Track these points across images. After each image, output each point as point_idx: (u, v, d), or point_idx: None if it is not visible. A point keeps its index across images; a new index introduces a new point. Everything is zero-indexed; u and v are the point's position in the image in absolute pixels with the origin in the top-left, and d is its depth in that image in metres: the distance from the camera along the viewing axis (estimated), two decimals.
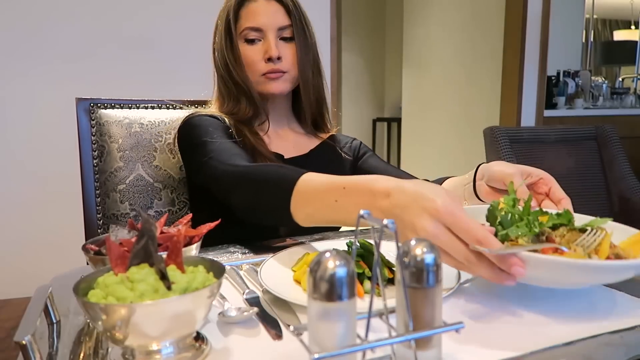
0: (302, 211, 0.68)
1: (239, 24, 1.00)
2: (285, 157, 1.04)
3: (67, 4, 2.31)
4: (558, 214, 0.66)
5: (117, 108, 1.17)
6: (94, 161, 1.15)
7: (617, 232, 0.65)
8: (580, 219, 0.67)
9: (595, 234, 0.62)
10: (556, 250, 0.59)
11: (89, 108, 1.15)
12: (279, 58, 0.98)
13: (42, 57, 2.31)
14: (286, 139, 1.10)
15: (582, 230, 0.63)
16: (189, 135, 0.97)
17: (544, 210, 0.68)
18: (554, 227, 0.64)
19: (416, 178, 0.89)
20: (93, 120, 1.15)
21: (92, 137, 1.14)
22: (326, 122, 1.15)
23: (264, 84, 1.01)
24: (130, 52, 2.42)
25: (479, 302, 0.61)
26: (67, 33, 2.32)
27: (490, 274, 0.51)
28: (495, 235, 0.65)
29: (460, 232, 0.51)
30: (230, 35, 1.00)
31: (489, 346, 0.50)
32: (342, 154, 1.13)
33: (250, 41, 0.99)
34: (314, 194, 0.67)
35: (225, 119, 1.01)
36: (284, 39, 1.00)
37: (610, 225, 0.66)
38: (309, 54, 1.03)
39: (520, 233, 0.61)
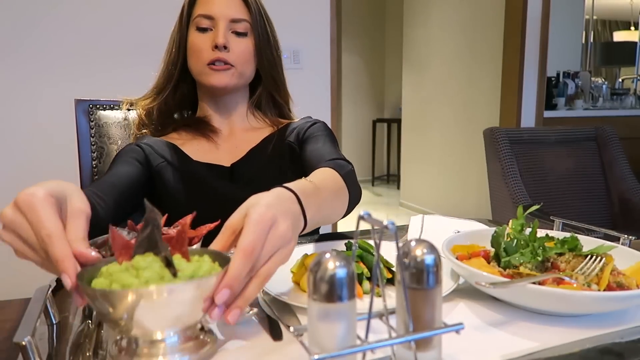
0: None
1: (194, 10, 0.99)
2: (223, 165, 0.99)
3: (67, 5, 2.31)
4: (564, 240, 0.65)
5: (116, 109, 1.17)
6: (93, 162, 1.15)
7: (626, 257, 0.64)
8: (589, 243, 0.66)
9: (595, 261, 0.61)
10: (561, 280, 0.57)
11: (88, 109, 1.15)
12: (225, 47, 0.95)
13: (42, 58, 2.30)
14: (227, 140, 1.05)
15: (588, 256, 0.62)
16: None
17: (550, 235, 0.67)
18: (560, 253, 0.64)
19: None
20: (92, 121, 1.15)
21: (91, 139, 1.14)
22: (289, 111, 1.12)
23: (207, 75, 0.96)
24: (130, 53, 2.42)
25: (478, 303, 0.61)
26: (66, 34, 2.32)
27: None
28: (498, 261, 0.64)
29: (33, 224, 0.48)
30: (183, 20, 1.00)
31: (488, 347, 0.50)
32: (285, 145, 1.03)
33: (202, 30, 0.97)
34: None
35: (144, 149, 0.97)
36: (237, 33, 0.97)
37: (619, 250, 0.65)
38: (270, 48, 1.01)
39: (522, 261, 0.61)
